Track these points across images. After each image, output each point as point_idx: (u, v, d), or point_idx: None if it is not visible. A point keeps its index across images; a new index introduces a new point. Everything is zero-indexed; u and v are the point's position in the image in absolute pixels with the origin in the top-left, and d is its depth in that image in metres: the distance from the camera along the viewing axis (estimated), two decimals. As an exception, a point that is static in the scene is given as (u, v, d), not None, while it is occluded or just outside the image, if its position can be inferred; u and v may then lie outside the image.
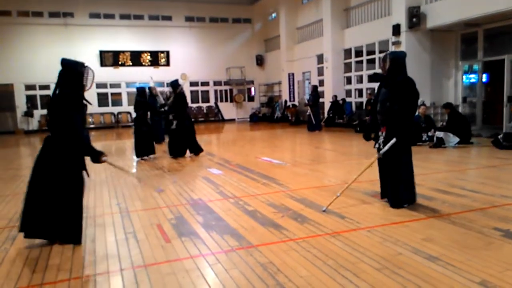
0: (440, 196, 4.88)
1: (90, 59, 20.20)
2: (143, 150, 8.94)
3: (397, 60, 4.35)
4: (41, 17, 19.79)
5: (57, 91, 3.62)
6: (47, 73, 19.58)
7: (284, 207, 4.65)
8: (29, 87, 19.73)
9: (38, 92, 19.92)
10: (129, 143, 12.33)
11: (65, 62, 3.73)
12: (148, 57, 21.51)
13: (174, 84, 9.16)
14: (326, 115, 16.42)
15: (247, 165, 7.72)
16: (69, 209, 3.58)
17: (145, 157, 8.93)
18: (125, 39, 20.88)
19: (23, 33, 19.21)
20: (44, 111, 19.90)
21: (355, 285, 2.67)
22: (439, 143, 8.90)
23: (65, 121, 3.53)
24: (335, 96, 16.04)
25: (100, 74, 19.72)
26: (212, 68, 22.24)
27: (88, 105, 3.91)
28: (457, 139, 8.91)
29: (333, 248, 3.34)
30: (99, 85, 19.85)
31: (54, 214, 3.53)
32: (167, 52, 21.71)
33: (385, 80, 4.44)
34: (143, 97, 9.53)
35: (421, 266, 2.91)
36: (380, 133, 4.54)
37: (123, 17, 21.14)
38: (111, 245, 3.61)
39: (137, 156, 8.97)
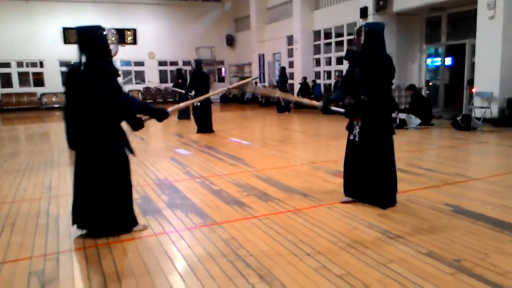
0: (398, 174, 5.08)
1: (53, 36, 19.45)
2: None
3: (374, 34, 3.71)
4: (0, -9, 18.80)
5: (83, 65, 3.14)
6: (7, 50, 18.75)
7: (250, 186, 4.75)
8: (-13, 64, 18.85)
9: (-2, 70, 19.07)
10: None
11: (81, 29, 3.21)
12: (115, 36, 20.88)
13: (199, 63, 9.64)
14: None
15: (215, 145, 7.76)
16: (121, 196, 3.30)
17: None
18: (90, 15, 20.13)
19: (-21, 7, 18.22)
20: (6, 90, 19.14)
21: (312, 257, 2.81)
22: (401, 125, 9.22)
23: (107, 92, 3.09)
24: (305, 78, 16.18)
25: (64, 51, 19.26)
26: (181, 48, 21.86)
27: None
28: (418, 121, 9.25)
29: (294, 224, 3.48)
30: (62, 63, 19.18)
31: (105, 204, 3.23)
32: (134, 30, 21.16)
33: (359, 58, 3.80)
34: None
35: (374, 239, 3.08)
36: (355, 122, 3.89)
37: (88, -8, 20.38)
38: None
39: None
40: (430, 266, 2.64)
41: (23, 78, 19.70)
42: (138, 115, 3.36)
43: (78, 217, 3.31)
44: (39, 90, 19.75)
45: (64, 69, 19.21)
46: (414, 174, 5.12)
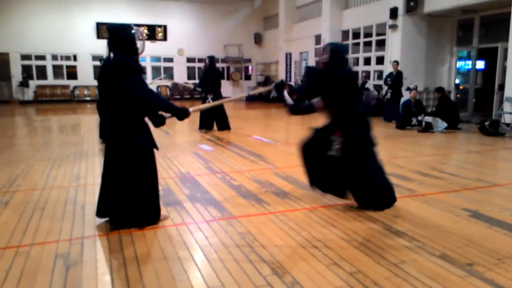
0: (419, 177, 5.07)
1: (87, 31, 20.07)
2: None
3: (338, 53, 3.79)
4: (38, -14, 19.52)
5: (111, 62, 3.28)
6: (43, 43, 19.48)
7: (269, 183, 4.84)
8: (24, 57, 19.62)
9: (34, 62, 19.83)
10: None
11: (111, 28, 3.35)
12: (145, 31, 21.34)
13: (212, 59, 9.57)
14: (321, 96, 16.51)
15: (237, 142, 7.88)
16: (145, 188, 3.38)
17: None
18: (122, 11, 20.66)
19: (19, 2, 18.96)
20: (41, 82, 19.89)
21: (324, 254, 2.87)
22: (427, 128, 9.08)
23: (135, 88, 3.20)
24: (331, 78, 16.09)
25: (96, 46, 19.85)
26: (210, 45, 22.10)
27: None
28: (445, 124, 9.08)
29: (309, 221, 3.54)
30: (95, 57, 19.77)
31: (130, 196, 3.33)
32: (165, 27, 21.55)
33: (322, 75, 3.88)
34: None
35: (387, 239, 3.12)
36: (333, 137, 3.86)
37: (121, -12, 20.89)
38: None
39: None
40: (442, 268, 2.66)
41: (57, 71, 20.43)
42: (160, 112, 3.51)
43: (103, 209, 3.45)
44: (72, 83, 20.42)
45: (96, 63, 19.81)
46: (435, 177, 5.08)
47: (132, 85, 3.20)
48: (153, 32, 21.45)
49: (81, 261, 2.81)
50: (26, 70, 19.65)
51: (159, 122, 3.54)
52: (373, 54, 14.68)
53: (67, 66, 20.47)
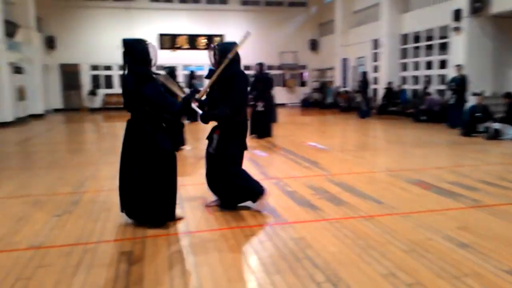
0: (485, 187, 4.78)
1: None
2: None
3: (226, 52, 3.79)
4: (105, 1, 20.86)
5: (126, 71, 3.58)
6: (109, 54, 20.77)
7: (323, 190, 4.79)
8: (93, 67, 21.03)
9: (102, 72, 21.19)
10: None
11: (128, 41, 3.63)
12: (204, 41, 22.05)
13: (262, 66, 9.61)
14: (379, 102, 16.08)
15: (292, 148, 7.88)
16: (161, 189, 3.56)
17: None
18: (182, 22, 21.52)
19: (89, 16, 20.40)
20: (108, 90, 21.19)
21: (380, 264, 2.80)
22: (496, 135, 8.51)
23: (148, 96, 3.45)
24: (390, 83, 15.63)
25: (159, 56, 20.77)
26: (265, 52, 22.31)
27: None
28: (515, 132, 8.46)
29: (365, 229, 3.47)
30: (158, 67, 20.70)
31: (147, 196, 3.54)
32: (222, 36, 22.11)
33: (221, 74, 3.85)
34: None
35: (450, 252, 2.97)
36: (214, 136, 3.96)
37: (182, 1, 21.75)
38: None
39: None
40: (510, 284, 2.49)
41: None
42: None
43: (124, 205, 3.68)
44: (135, 91, 21.57)
45: (158, 72, 20.73)
46: (502, 188, 4.75)
47: (149, 91, 3.47)
48: (211, 42, 22.07)
49: (143, 259, 2.96)
50: (95, 79, 21.06)
51: (178, 127, 3.89)
52: (435, 58, 14.05)
53: (132, 76, 21.64)
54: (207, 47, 4.10)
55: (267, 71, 10.92)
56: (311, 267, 2.77)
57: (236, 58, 3.89)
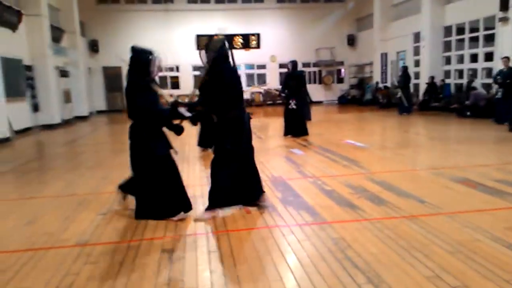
0: (537, 186, 4.51)
1: (188, 43, 21.49)
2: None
3: (221, 49, 3.84)
4: (145, 4, 21.45)
5: (127, 80, 3.85)
6: (149, 56, 21.35)
7: (362, 188, 4.70)
8: (134, 69, 21.69)
9: (142, 74, 21.81)
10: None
11: (133, 50, 3.84)
12: (240, 40, 22.19)
13: (295, 64, 9.45)
14: (421, 97, 15.55)
15: (329, 147, 7.78)
16: (163, 188, 3.81)
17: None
18: (219, 22, 21.73)
19: (129, 19, 21.04)
20: (147, 92, 21.75)
21: (424, 265, 2.71)
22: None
23: (138, 105, 3.72)
24: (432, 77, 15.06)
25: (196, 57, 21.12)
26: (301, 50, 22.15)
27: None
28: None
29: (408, 230, 3.36)
30: (195, 68, 21.08)
31: (153, 195, 3.82)
32: (258, 35, 22.16)
33: (209, 72, 3.88)
34: None
35: (498, 254, 2.83)
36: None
37: (218, 1, 21.98)
38: (199, 213, 4.01)
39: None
40: None
41: (162, 81, 22.21)
42: (176, 122, 3.92)
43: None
44: (175, 92, 22.01)
45: (196, 73, 21.10)
46: (558, 187, 4.47)
47: (139, 99, 3.71)
48: (247, 41, 22.19)
49: (184, 257, 3.02)
50: (136, 81, 21.72)
51: (178, 130, 3.94)
52: (481, 50, 13.41)
53: (171, 77, 22.14)
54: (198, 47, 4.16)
55: (300, 69, 10.78)
56: (352, 268, 2.72)
57: (223, 53, 3.86)
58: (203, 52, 3.92)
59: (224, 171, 3.90)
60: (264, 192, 4.16)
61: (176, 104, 3.88)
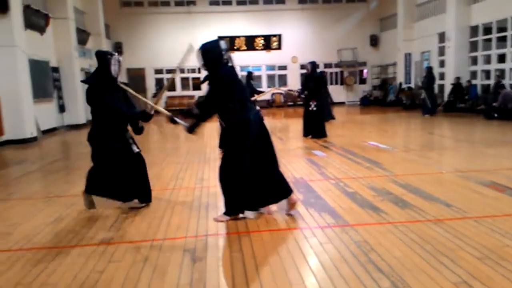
0: None
1: (209, 44, 21.62)
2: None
3: (208, 53, 3.75)
4: (168, 6, 21.74)
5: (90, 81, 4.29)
6: (172, 58, 21.55)
7: (386, 191, 4.62)
8: (157, 71, 22.00)
9: (165, 76, 22.08)
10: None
11: (97, 53, 4.26)
12: (261, 41, 22.20)
13: (314, 65, 9.35)
14: (446, 98, 15.21)
15: (352, 148, 7.68)
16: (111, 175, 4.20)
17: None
18: (240, 24, 21.83)
19: (153, 22, 21.36)
20: (171, 93, 22.05)
21: (451, 271, 2.63)
22: None
23: (102, 103, 4.09)
24: (458, 78, 14.72)
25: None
26: (323, 50, 22.02)
27: None
28: None
29: (433, 234, 3.28)
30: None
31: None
32: (279, 36, 22.14)
33: (206, 77, 3.85)
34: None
35: (529, 261, 2.73)
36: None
37: (240, 3, 22.08)
38: (220, 213, 4.02)
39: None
40: None
41: (184, 83, 22.46)
42: (139, 123, 4.33)
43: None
44: (196, 93, 22.22)
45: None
46: None
47: (98, 102, 4.14)
48: (268, 42, 22.21)
49: (206, 257, 3.03)
50: (159, 82, 22.01)
51: (144, 119, 4.24)
52: (509, 51, 13.03)
53: (193, 78, 22.35)
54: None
55: (322, 70, 10.68)
56: (376, 272, 2.67)
57: (215, 57, 3.75)
58: (199, 53, 3.83)
59: (234, 177, 3.76)
60: (289, 196, 3.90)
61: (173, 117, 4.01)
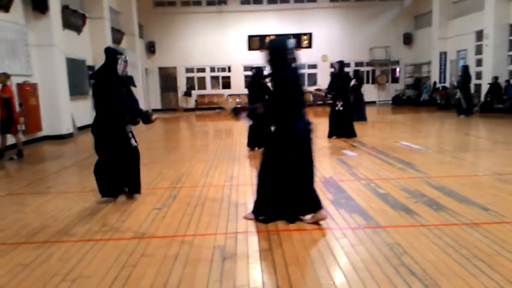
0: None
1: (240, 44, 21.74)
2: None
3: (274, 51, 3.62)
4: (200, 6, 21.95)
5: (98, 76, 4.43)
6: (203, 57, 21.83)
7: (419, 193, 4.50)
8: (188, 70, 22.28)
9: (196, 75, 22.35)
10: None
11: (107, 50, 4.41)
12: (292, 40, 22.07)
13: (342, 65, 9.23)
14: (482, 99, 14.66)
15: (383, 148, 7.53)
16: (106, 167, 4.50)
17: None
18: (271, 23, 21.78)
19: (185, 21, 21.62)
20: (201, 91, 22.30)
21: (488, 276, 2.54)
22: None
23: (107, 96, 4.29)
24: (496, 78, 14.15)
25: (248, 57, 21.39)
26: (354, 49, 21.66)
27: None
28: None
29: (469, 238, 3.18)
30: (246, 68, 21.29)
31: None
32: (310, 34, 21.95)
33: (270, 74, 3.73)
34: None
35: None
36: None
37: (271, 1, 22.03)
38: (249, 211, 4.04)
39: None
40: None
41: (214, 81, 22.66)
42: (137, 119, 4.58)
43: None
44: (226, 91, 22.39)
45: (247, 73, 21.29)
46: None
47: (105, 95, 4.33)
48: (299, 41, 22.03)
49: (235, 254, 3.05)
50: (189, 81, 22.31)
51: (145, 120, 4.57)
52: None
53: (223, 77, 22.52)
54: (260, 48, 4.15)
55: (354, 69, 10.52)
56: (408, 275, 2.61)
57: (280, 55, 3.62)
58: (265, 53, 3.73)
59: (271, 185, 3.66)
60: (318, 210, 3.65)
61: (237, 109, 3.93)
